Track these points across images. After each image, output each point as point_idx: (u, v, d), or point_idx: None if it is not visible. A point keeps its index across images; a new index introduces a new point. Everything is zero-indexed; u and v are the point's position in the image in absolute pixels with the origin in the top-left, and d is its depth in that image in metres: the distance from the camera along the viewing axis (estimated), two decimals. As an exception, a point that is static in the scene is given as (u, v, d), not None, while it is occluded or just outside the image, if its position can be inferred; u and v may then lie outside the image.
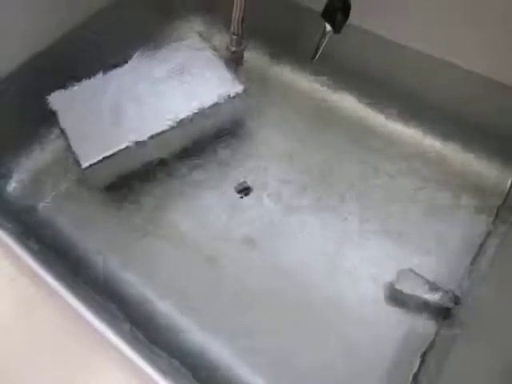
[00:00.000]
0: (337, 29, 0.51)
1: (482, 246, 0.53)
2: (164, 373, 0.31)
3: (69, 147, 0.54)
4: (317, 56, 0.55)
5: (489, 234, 0.54)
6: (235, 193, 0.60)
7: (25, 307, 0.32)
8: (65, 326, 0.31)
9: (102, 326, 0.30)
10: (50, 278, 0.32)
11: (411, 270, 0.52)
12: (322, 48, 0.54)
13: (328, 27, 0.52)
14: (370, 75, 0.64)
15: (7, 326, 0.31)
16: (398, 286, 0.51)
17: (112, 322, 0.31)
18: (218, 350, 0.49)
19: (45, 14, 0.59)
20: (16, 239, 0.36)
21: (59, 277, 0.32)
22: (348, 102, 0.67)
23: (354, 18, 0.51)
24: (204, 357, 0.49)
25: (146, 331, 0.40)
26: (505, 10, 0.49)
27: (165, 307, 0.51)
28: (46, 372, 0.29)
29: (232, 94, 0.58)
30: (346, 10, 0.49)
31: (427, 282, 0.50)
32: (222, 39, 0.69)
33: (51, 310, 0.31)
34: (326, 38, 0.53)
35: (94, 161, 0.53)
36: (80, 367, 0.30)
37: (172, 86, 0.59)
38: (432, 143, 0.63)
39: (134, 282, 0.53)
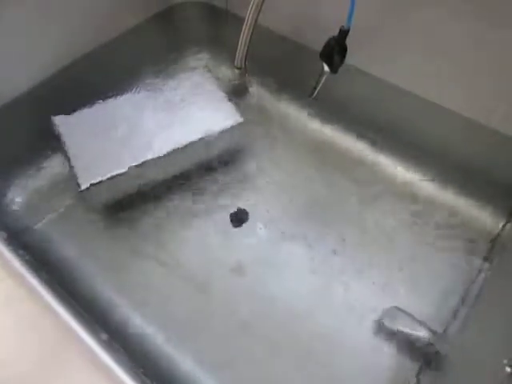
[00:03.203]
0: (334, 69, 0.53)
1: (469, 287, 0.54)
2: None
3: (70, 168, 0.56)
4: (314, 94, 0.57)
5: (477, 275, 0.55)
6: (229, 221, 0.61)
7: (10, 305, 0.33)
8: (45, 324, 0.33)
9: (80, 330, 0.31)
10: (34, 281, 0.34)
11: (398, 308, 0.52)
12: (319, 86, 0.56)
13: (326, 67, 0.54)
14: (367, 115, 0.66)
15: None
16: (384, 323, 0.51)
17: (90, 329, 0.32)
18: (201, 378, 0.49)
19: (57, 40, 0.62)
20: (4, 242, 0.37)
21: (43, 280, 0.34)
22: (346, 140, 0.69)
23: (351, 59, 0.53)
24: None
25: (127, 352, 0.40)
26: (500, 61, 0.51)
27: (150, 331, 0.52)
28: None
29: (232, 125, 0.60)
30: (342, 51, 0.51)
31: (414, 319, 0.50)
32: (225, 72, 0.72)
33: (33, 308, 0.33)
34: (324, 78, 0.55)
35: (93, 182, 0.54)
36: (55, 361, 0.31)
37: (174, 114, 0.61)
38: (426, 185, 0.64)
39: (122, 303, 0.53)
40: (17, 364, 0.31)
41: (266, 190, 0.64)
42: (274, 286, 0.55)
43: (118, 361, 0.32)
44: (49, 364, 0.31)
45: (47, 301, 0.32)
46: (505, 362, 0.32)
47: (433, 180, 0.64)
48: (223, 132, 0.60)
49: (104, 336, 0.33)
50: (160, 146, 0.57)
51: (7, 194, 0.61)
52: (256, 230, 0.60)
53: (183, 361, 0.50)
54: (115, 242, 0.59)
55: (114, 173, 0.55)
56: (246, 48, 0.61)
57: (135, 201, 0.61)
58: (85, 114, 0.60)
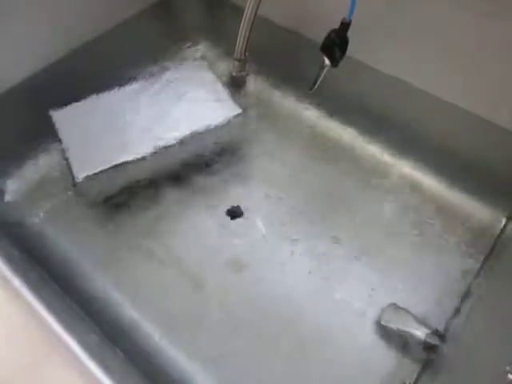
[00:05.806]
0: (334, 63, 0.52)
1: (470, 286, 0.53)
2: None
3: (66, 161, 0.55)
4: (315, 87, 0.56)
5: (478, 275, 0.54)
6: (227, 216, 0.60)
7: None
8: (29, 326, 0.32)
9: (64, 333, 0.31)
10: (17, 281, 0.33)
11: (397, 307, 0.51)
12: (319, 80, 0.55)
13: (326, 61, 0.53)
14: (369, 108, 0.65)
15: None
16: (384, 321, 0.51)
17: (79, 329, 0.31)
18: (199, 375, 0.48)
19: (53, 30, 0.61)
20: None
21: (26, 280, 0.34)
22: (346, 134, 0.68)
23: (353, 52, 0.52)
24: (183, 382, 0.48)
25: (123, 349, 0.40)
26: (504, 55, 0.50)
27: (146, 328, 0.51)
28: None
29: (230, 117, 0.59)
30: (343, 45, 0.50)
31: (413, 317, 0.50)
32: (225, 63, 0.71)
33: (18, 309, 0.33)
34: (324, 71, 0.54)
35: (89, 174, 0.53)
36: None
37: (173, 106, 0.60)
38: (426, 180, 0.63)
39: (117, 300, 0.53)
40: (4, 367, 0.30)
41: (265, 183, 0.63)
42: (271, 283, 0.55)
43: (111, 362, 0.32)
44: (37, 367, 0.30)
45: (33, 304, 0.31)
46: (508, 368, 0.31)
47: (434, 177, 0.63)
48: (222, 124, 0.59)
49: (95, 337, 0.32)
50: (157, 138, 0.56)
51: (0, 187, 0.61)
52: (254, 225, 0.59)
53: (179, 357, 0.49)
54: (111, 237, 0.58)
55: (110, 165, 0.54)
56: (245, 39, 0.60)
57: (132, 194, 0.60)
58: (81, 106, 0.60)
